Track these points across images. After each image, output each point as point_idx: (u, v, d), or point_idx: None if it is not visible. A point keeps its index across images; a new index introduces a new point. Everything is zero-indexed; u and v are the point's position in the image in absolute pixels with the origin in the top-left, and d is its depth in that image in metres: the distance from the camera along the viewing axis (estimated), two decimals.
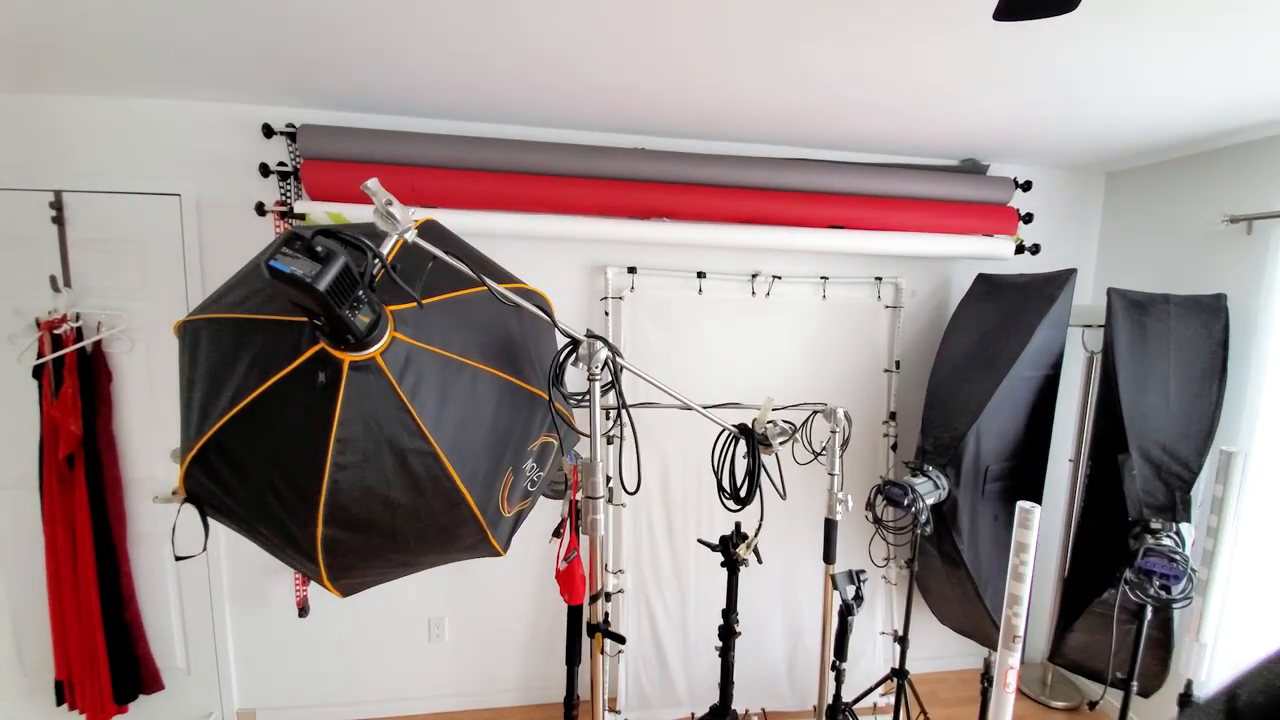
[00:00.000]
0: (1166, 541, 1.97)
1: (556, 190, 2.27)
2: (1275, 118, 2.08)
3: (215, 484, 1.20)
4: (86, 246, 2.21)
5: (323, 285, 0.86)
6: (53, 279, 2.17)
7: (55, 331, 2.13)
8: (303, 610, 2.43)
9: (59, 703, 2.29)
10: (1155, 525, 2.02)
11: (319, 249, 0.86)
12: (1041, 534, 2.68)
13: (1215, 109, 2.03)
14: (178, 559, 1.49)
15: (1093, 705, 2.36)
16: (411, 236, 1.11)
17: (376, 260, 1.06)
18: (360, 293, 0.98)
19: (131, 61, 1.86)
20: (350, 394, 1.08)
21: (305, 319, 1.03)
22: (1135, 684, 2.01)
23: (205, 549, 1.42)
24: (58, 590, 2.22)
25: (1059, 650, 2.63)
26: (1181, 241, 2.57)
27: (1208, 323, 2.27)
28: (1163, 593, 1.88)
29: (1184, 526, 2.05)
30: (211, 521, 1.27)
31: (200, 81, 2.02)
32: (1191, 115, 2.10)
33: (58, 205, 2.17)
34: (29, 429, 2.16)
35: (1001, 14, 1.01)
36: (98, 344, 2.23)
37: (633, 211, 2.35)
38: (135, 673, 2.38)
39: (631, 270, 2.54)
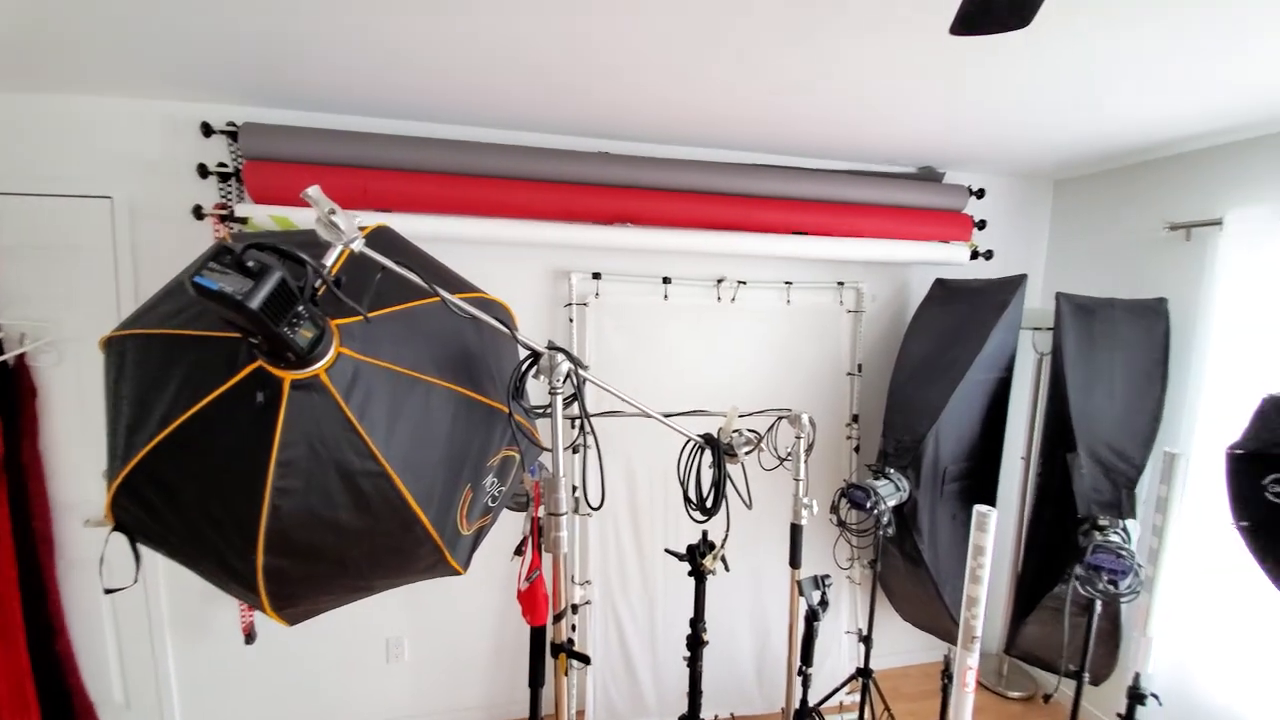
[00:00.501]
0: (1114, 538, 2.04)
1: (518, 194, 2.22)
2: (1209, 130, 2.19)
3: (145, 512, 1.13)
4: (9, 253, 2.05)
5: (255, 303, 0.79)
6: None
7: None
8: (249, 637, 2.30)
9: None
10: (1103, 522, 2.09)
11: (250, 264, 0.80)
12: (996, 530, 2.76)
13: (1155, 122, 2.12)
14: (107, 592, 1.39)
15: (1047, 698, 2.44)
16: (358, 246, 1.05)
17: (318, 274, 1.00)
18: (300, 308, 0.92)
19: (58, 56, 1.73)
20: (292, 414, 1.02)
21: (240, 335, 0.97)
22: (1087, 675, 2.08)
23: (137, 580, 1.33)
24: None
25: (1014, 642, 2.71)
26: (1125, 247, 2.69)
27: (1150, 326, 2.37)
28: (1111, 587, 1.95)
29: (1130, 523, 2.13)
30: (148, 548, 1.18)
31: (133, 77, 1.89)
32: (1135, 127, 2.18)
33: None
34: None
35: (957, 28, 1.03)
36: (21, 357, 2.07)
37: (596, 216, 2.32)
38: (68, 708, 2.22)
39: (596, 276, 2.50)
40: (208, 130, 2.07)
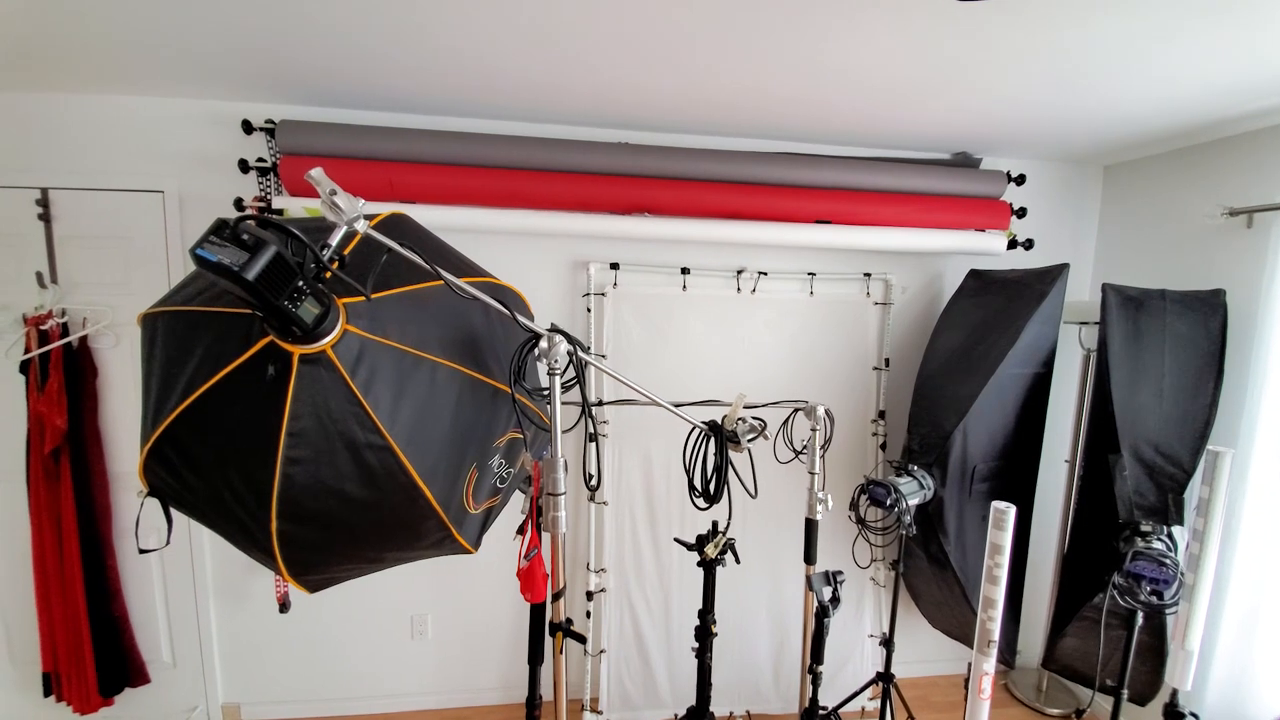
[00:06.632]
0: (1157, 545, 1.91)
1: (538, 185, 2.25)
2: (1273, 106, 2.02)
3: (172, 478, 1.20)
4: (72, 243, 2.23)
5: (251, 274, 0.84)
6: (39, 275, 2.19)
7: (41, 327, 2.15)
8: (283, 606, 2.43)
9: (46, 694, 2.32)
10: (1145, 528, 1.96)
11: (245, 237, 0.84)
12: (1038, 536, 2.63)
13: (1215, 96, 1.96)
14: (141, 552, 1.50)
15: (1080, 713, 2.30)
16: (360, 227, 1.09)
17: (325, 250, 1.05)
18: (301, 283, 0.96)
19: (115, 59, 1.87)
20: (301, 387, 1.07)
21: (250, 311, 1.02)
22: (1125, 691, 1.96)
23: (169, 543, 1.42)
24: (44, 583, 2.24)
25: (1051, 655, 2.57)
26: (1181, 235, 2.50)
27: (1205, 319, 2.20)
28: (1154, 598, 1.83)
29: (1176, 529, 1.99)
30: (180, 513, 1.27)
31: (182, 78, 2.02)
32: (1191, 103, 2.02)
33: (44, 202, 2.19)
34: (15, 424, 2.18)
35: None
36: (83, 339, 2.25)
37: (615, 206, 2.32)
38: (122, 666, 2.39)
39: (614, 266, 2.51)
40: (248, 128, 2.19)
